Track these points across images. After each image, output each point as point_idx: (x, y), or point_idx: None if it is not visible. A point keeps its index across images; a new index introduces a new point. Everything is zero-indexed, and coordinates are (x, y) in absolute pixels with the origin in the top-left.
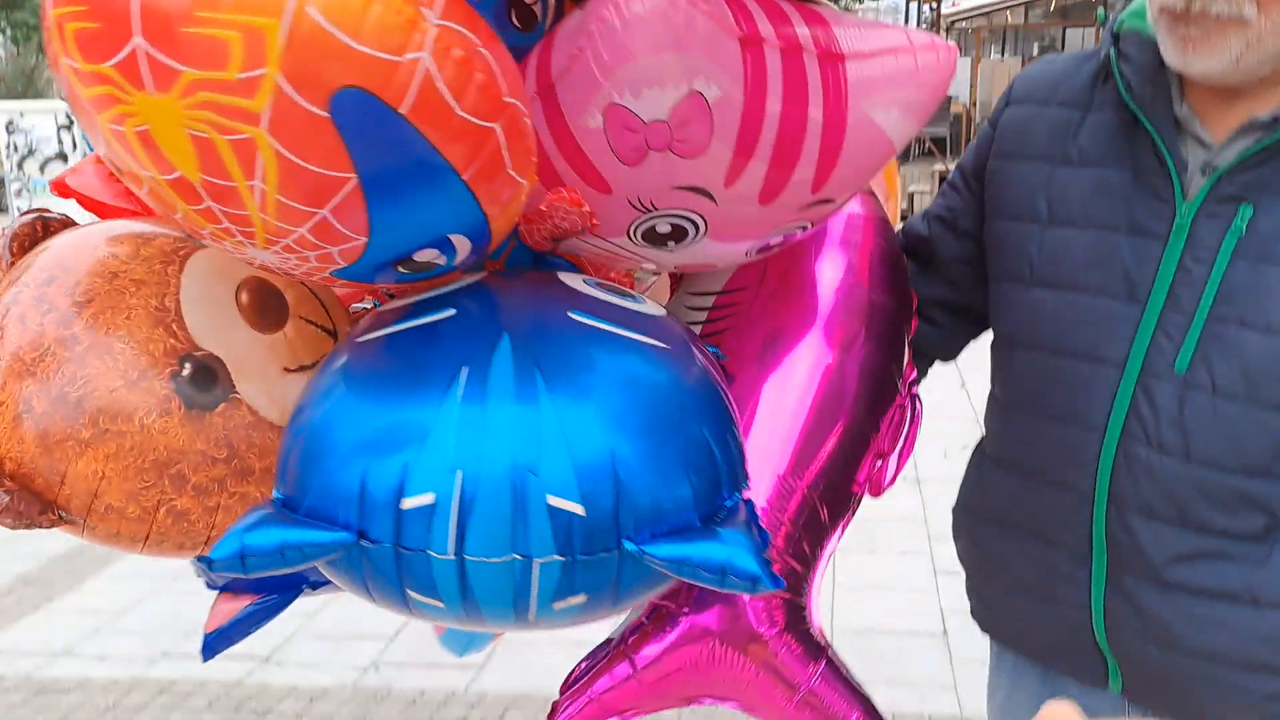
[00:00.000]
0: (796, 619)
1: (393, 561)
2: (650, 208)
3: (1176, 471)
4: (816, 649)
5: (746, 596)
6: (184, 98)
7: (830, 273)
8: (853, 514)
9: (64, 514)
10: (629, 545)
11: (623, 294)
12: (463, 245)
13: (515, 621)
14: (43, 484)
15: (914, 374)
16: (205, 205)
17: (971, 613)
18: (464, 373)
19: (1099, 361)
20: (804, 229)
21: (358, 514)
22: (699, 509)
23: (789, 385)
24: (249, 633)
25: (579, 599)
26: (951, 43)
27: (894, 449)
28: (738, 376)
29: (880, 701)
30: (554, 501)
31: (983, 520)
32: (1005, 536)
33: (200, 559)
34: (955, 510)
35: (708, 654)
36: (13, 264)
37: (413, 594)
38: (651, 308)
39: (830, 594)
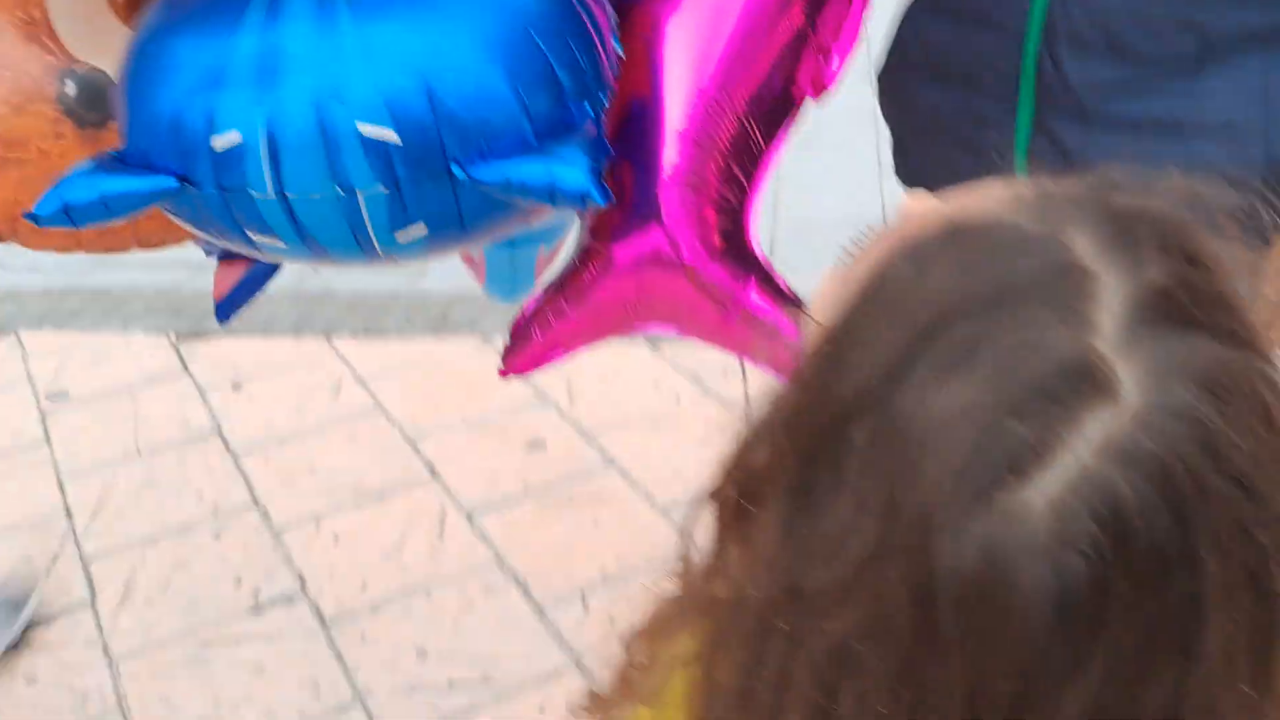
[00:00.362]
0: (730, 243)
1: (220, 203)
2: None
3: (1116, 2)
4: (752, 269)
5: (676, 227)
6: None
7: None
8: (794, 120)
9: None
10: (455, 170)
11: None
12: None
13: (366, 256)
14: None
15: None
16: None
17: (895, 170)
18: (259, 1)
19: None
20: None
21: (177, 158)
22: (537, 126)
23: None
24: (254, 294)
25: (419, 230)
26: None
27: (837, 41)
28: None
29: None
30: (365, 129)
31: (909, 71)
32: (930, 86)
33: (26, 214)
34: (880, 66)
35: (637, 285)
36: None
37: (252, 235)
38: None
39: (772, 187)
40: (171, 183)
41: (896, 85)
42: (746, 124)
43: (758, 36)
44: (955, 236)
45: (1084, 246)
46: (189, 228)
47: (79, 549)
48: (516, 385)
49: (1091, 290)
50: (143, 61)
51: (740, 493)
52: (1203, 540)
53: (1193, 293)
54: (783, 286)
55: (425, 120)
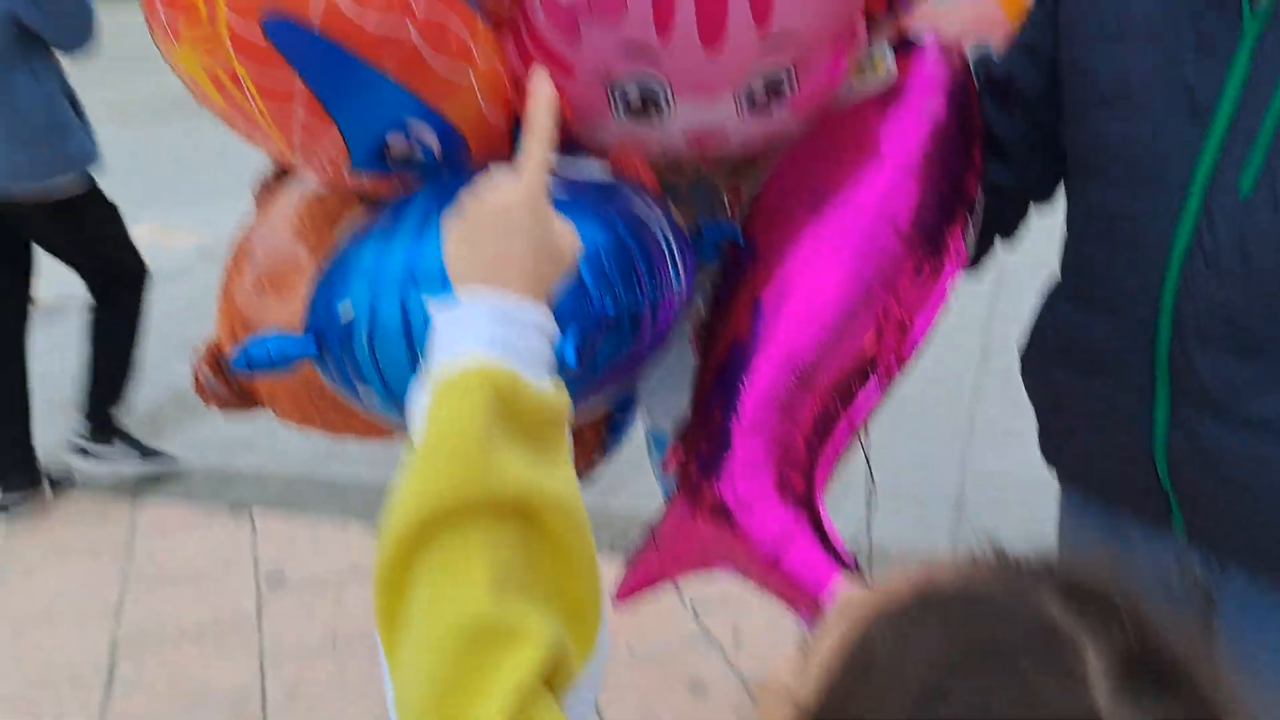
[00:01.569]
0: (795, 500)
1: (340, 361)
2: (610, 77)
3: (1237, 296)
4: (809, 527)
5: (742, 474)
6: (189, 45)
7: (884, 139)
8: (882, 388)
9: (258, 406)
10: None
11: (568, 163)
12: (428, 135)
13: None
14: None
15: (963, 236)
16: (244, 129)
17: (1041, 450)
18: (389, 222)
19: (1162, 185)
20: (789, 74)
21: (318, 326)
22: (556, 309)
23: (825, 267)
24: None
25: None
26: None
27: (918, 316)
28: (775, 244)
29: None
30: (429, 303)
31: (1049, 355)
32: (1070, 371)
33: (229, 361)
34: (1023, 347)
35: (702, 526)
36: (263, 201)
37: (359, 385)
38: (588, 170)
39: (966, 440)
40: (312, 345)
41: (1036, 368)
42: (829, 396)
43: (848, 317)
44: (931, 603)
45: (1057, 612)
46: (325, 381)
47: None
48: (685, 621)
49: (1077, 651)
50: (321, 263)
51: None
52: None
53: (1161, 658)
54: (840, 551)
55: None
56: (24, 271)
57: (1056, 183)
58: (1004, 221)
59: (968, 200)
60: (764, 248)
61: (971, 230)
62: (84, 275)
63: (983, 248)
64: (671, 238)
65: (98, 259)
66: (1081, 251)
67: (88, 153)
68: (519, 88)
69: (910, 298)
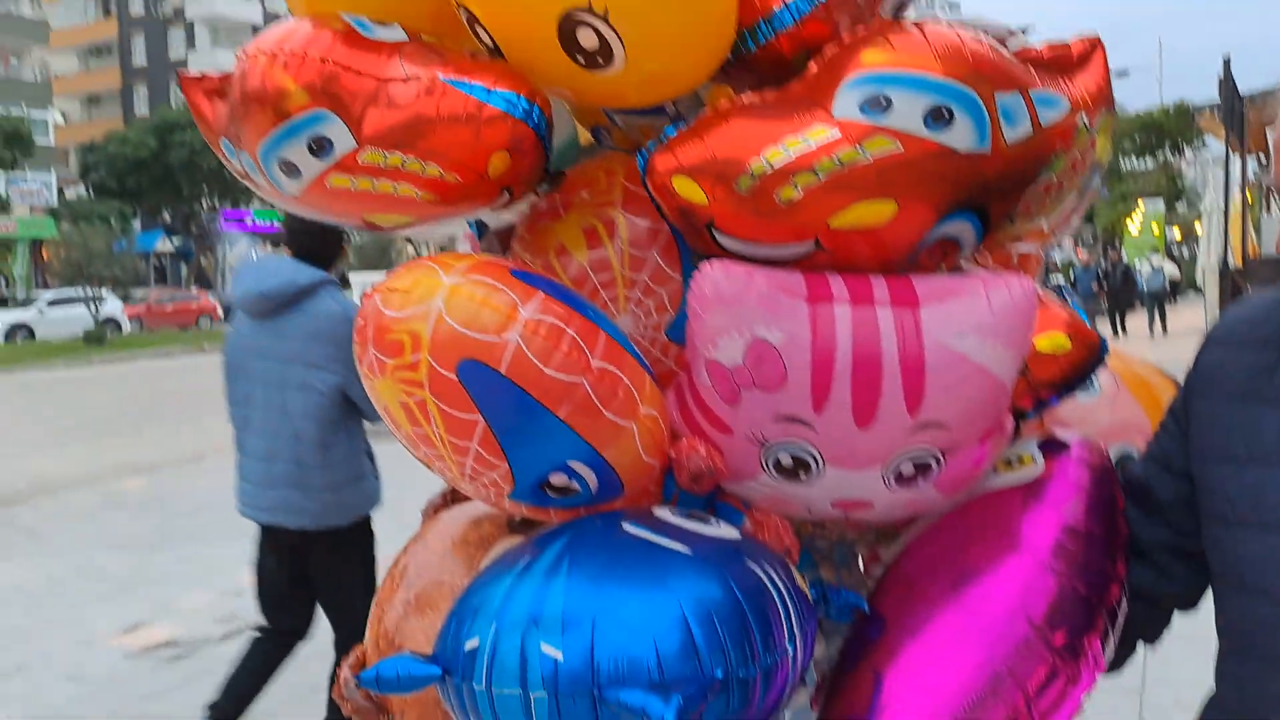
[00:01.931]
0: None
1: (460, 691)
2: (764, 440)
3: None
4: None
5: None
6: (391, 377)
7: (1024, 532)
8: None
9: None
10: (594, 690)
11: (700, 519)
12: (589, 475)
13: None
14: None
15: (1103, 644)
16: (424, 453)
17: None
18: (525, 560)
19: None
20: (936, 459)
21: (445, 655)
22: (666, 670)
23: (954, 651)
24: None
25: None
26: (1025, 276)
27: (1052, 712)
28: (905, 620)
29: None
30: (545, 648)
31: None
32: None
33: (356, 678)
34: None
35: None
36: (427, 521)
37: (473, 718)
38: (720, 530)
39: None
40: (437, 671)
41: None
42: None
43: (974, 707)
44: None
45: None
46: (452, 714)
47: None
48: None
49: None
50: (455, 599)
51: None
52: None
53: None
54: None
55: (583, 649)
56: (312, 605)
57: (1201, 590)
58: (1146, 626)
59: (1109, 607)
60: (892, 621)
61: (1111, 639)
62: (338, 612)
63: (1124, 653)
64: (790, 602)
65: (360, 581)
66: (1229, 664)
67: (375, 498)
68: (675, 437)
69: (1043, 701)
